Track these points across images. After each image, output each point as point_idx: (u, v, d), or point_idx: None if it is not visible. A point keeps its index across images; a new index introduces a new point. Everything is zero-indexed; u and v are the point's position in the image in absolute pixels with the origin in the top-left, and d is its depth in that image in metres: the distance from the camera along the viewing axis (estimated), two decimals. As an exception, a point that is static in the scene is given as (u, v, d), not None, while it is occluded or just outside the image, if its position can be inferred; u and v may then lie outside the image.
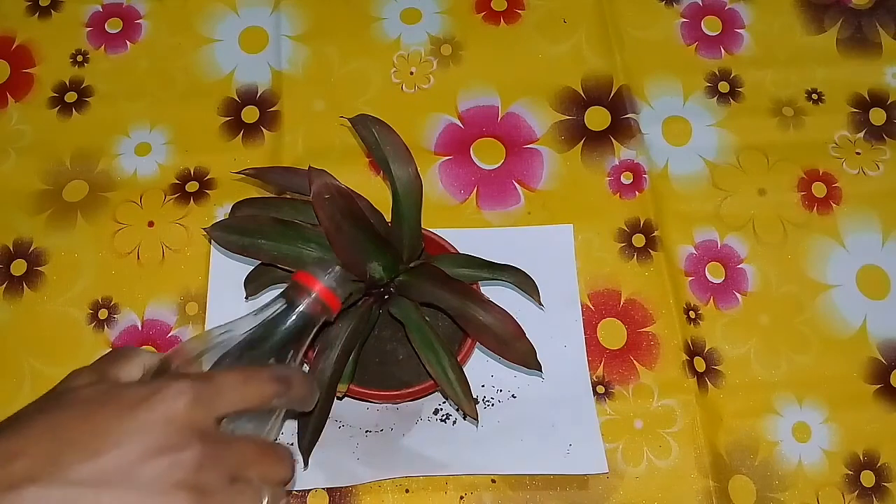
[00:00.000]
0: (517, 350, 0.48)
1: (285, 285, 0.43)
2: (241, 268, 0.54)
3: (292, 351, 0.42)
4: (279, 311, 0.42)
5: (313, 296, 0.42)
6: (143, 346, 0.58)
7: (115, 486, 0.32)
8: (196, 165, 0.64)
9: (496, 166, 0.65)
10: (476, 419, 0.51)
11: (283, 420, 0.41)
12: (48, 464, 0.32)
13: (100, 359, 0.39)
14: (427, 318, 0.49)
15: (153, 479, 0.33)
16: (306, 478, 0.53)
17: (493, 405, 0.56)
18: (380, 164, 0.50)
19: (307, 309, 0.42)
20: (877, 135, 0.67)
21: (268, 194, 0.61)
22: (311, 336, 0.42)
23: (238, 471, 0.35)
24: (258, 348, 0.41)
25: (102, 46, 0.69)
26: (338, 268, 0.43)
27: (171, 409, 0.34)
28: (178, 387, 0.35)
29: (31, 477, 0.32)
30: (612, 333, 0.59)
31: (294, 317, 0.41)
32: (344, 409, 0.55)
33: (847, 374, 0.59)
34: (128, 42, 0.69)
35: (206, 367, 0.39)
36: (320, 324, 0.43)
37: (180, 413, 0.34)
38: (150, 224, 0.62)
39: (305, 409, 0.41)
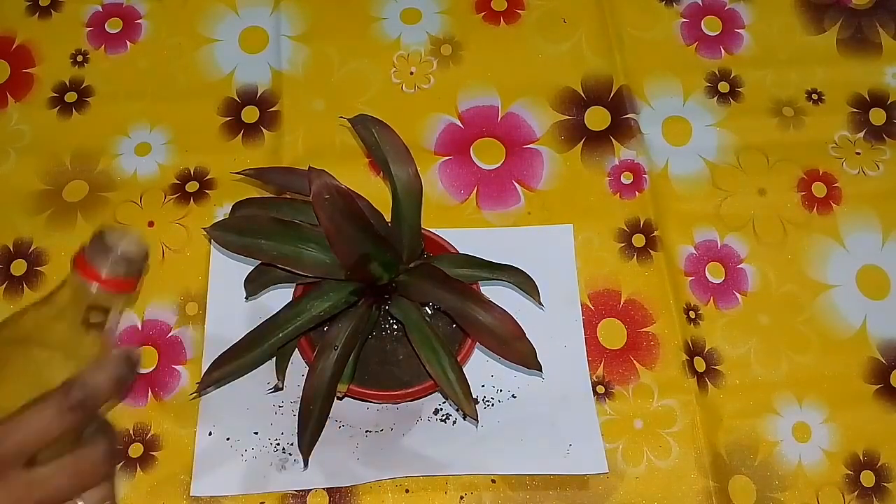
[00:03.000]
0: (517, 350, 0.48)
1: (285, 286, 0.42)
2: (241, 268, 0.54)
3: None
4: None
5: (95, 287, 0.38)
6: (143, 346, 0.58)
7: None
8: (196, 165, 0.64)
9: (496, 166, 0.65)
10: (476, 419, 0.51)
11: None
12: None
13: None
14: (427, 319, 0.49)
15: None
16: (306, 478, 0.53)
17: (493, 405, 0.56)
18: (379, 164, 0.50)
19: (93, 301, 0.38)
20: (877, 135, 0.67)
21: (268, 194, 0.61)
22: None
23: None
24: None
25: (102, 46, 0.69)
26: (121, 247, 0.39)
27: None
28: None
29: None
30: (612, 333, 0.59)
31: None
32: (344, 409, 0.55)
33: (847, 374, 0.59)
34: (128, 42, 0.69)
35: None
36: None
37: None
38: (150, 224, 0.62)
39: (120, 393, 0.39)
